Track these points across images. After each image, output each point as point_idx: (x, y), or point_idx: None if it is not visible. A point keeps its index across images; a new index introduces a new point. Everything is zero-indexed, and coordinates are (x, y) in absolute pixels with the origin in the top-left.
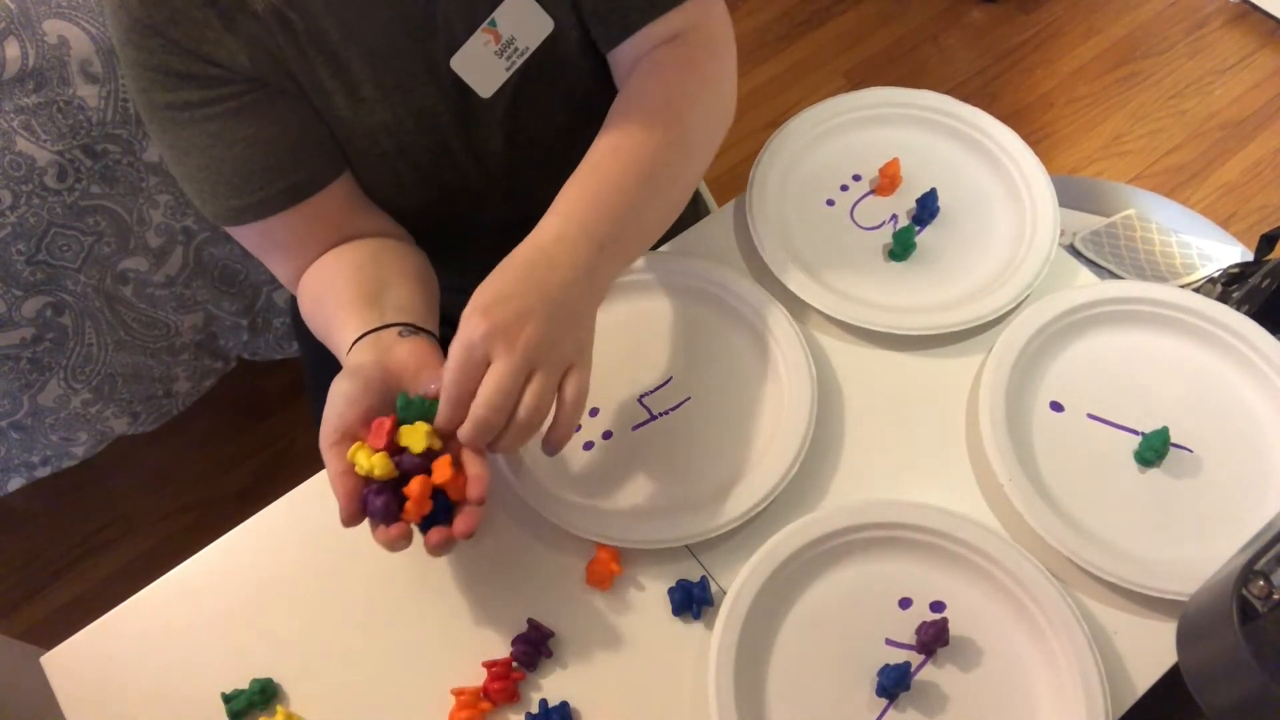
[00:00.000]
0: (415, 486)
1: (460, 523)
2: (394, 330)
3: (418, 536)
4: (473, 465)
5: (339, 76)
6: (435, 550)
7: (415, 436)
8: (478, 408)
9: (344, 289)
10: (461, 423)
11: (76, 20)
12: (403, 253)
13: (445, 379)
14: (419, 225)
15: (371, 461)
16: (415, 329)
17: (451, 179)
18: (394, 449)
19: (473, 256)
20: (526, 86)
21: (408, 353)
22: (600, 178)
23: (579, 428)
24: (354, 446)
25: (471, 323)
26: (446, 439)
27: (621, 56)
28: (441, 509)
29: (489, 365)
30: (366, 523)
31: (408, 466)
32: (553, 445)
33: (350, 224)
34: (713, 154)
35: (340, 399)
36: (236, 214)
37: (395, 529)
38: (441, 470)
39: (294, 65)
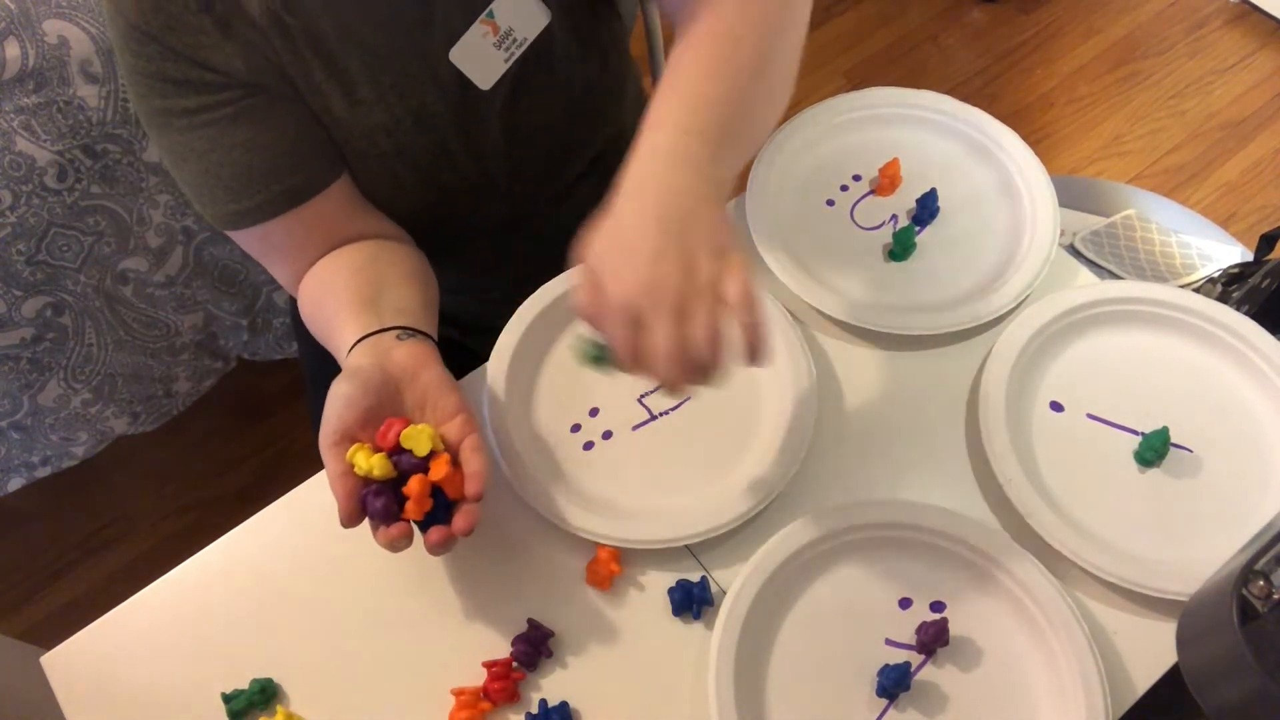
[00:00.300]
0: (415, 485)
1: (459, 520)
2: (392, 333)
3: (417, 536)
4: (471, 463)
5: (336, 78)
6: (435, 549)
7: (419, 439)
8: (665, 377)
9: (343, 292)
10: (662, 376)
11: (76, 20)
12: (401, 254)
13: (614, 345)
14: (418, 226)
15: (370, 462)
16: (413, 332)
17: (450, 179)
18: (395, 449)
19: (472, 257)
20: (525, 78)
21: (405, 355)
22: (685, 76)
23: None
24: (353, 448)
25: (609, 290)
26: (450, 444)
27: (678, 5)
28: (440, 507)
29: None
30: (366, 523)
31: (406, 466)
32: (754, 354)
33: (349, 226)
34: (796, 60)
35: (340, 401)
36: (235, 218)
37: (396, 529)
38: (439, 468)
39: (290, 69)
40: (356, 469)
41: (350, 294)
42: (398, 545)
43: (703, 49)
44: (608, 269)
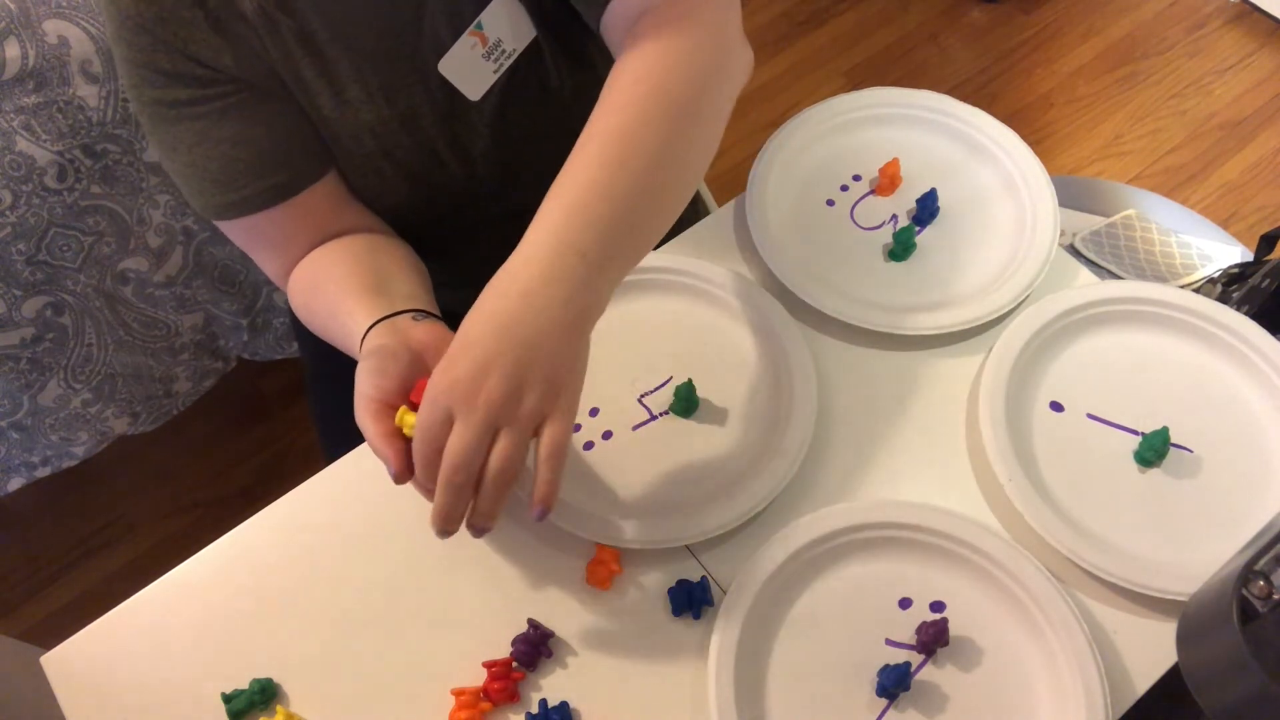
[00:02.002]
0: None
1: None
2: (407, 316)
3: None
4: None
5: (325, 76)
6: (486, 523)
7: None
8: (443, 470)
9: (346, 280)
10: (426, 466)
11: (76, 20)
12: (395, 247)
13: (415, 436)
14: (408, 222)
15: None
16: (426, 314)
17: (438, 178)
18: None
19: (464, 252)
20: (514, 88)
21: (425, 333)
22: (579, 176)
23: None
24: (401, 409)
25: (434, 381)
26: None
27: (609, 31)
28: None
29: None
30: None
31: None
32: (538, 508)
33: (337, 221)
34: (724, 117)
35: (373, 372)
36: (221, 210)
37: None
38: None
39: (280, 66)
40: (408, 430)
41: (355, 282)
42: (453, 521)
43: (599, 150)
44: (444, 359)
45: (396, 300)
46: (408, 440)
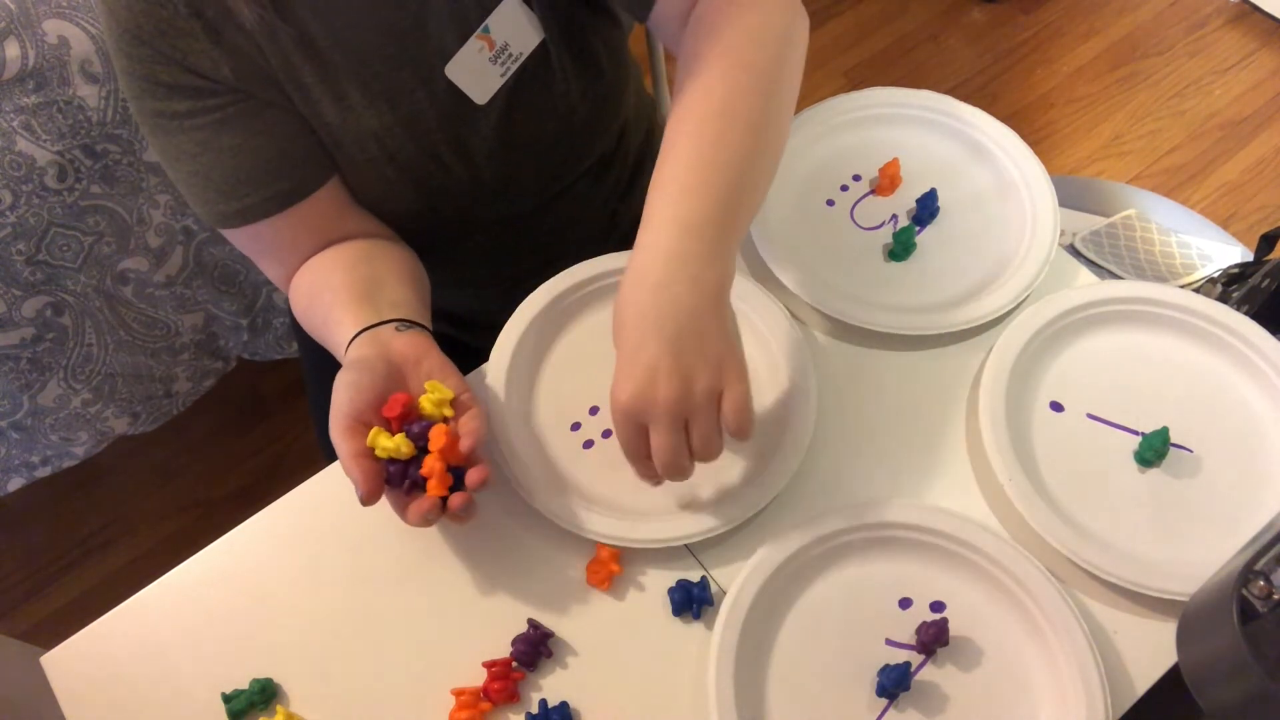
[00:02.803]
0: (431, 463)
1: (471, 477)
2: (390, 326)
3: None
4: (464, 424)
5: (326, 83)
6: (463, 513)
7: (438, 392)
8: (666, 476)
9: (339, 288)
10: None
11: (76, 20)
12: (394, 252)
13: (625, 454)
14: (411, 226)
15: (395, 442)
16: (410, 324)
17: (442, 182)
18: (401, 425)
19: (467, 254)
20: (520, 92)
21: (406, 344)
22: (683, 160)
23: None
24: (373, 431)
25: (615, 404)
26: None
27: (663, 21)
28: (453, 478)
29: (648, 428)
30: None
31: (419, 435)
32: (742, 440)
33: (339, 227)
34: (799, 76)
35: (349, 387)
36: (225, 218)
37: (426, 502)
38: (437, 438)
39: (281, 74)
40: (379, 451)
41: (346, 290)
42: (430, 517)
43: (696, 131)
44: (616, 376)
45: (384, 308)
46: (378, 461)
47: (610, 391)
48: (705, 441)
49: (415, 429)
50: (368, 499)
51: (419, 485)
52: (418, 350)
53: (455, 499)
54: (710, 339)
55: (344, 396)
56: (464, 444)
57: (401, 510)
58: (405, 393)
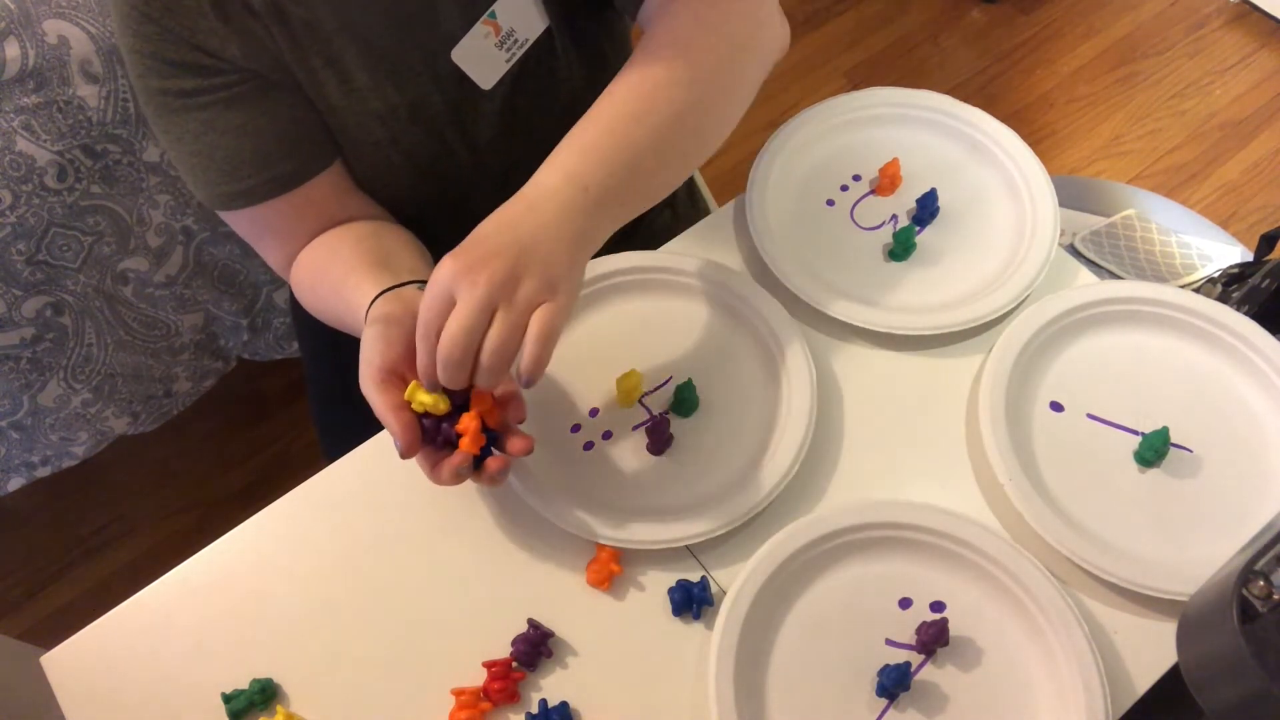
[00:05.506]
0: (468, 421)
1: (517, 444)
2: (412, 286)
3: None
4: (508, 389)
5: (332, 66)
6: (498, 478)
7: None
8: (441, 345)
9: (351, 258)
10: (429, 353)
11: (76, 20)
12: (398, 230)
13: (418, 319)
14: (415, 213)
15: (433, 397)
16: None
17: (445, 167)
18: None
19: None
20: (525, 78)
21: None
22: (596, 123)
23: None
24: (411, 385)
25: (441, 265)
26: None
27: (645, 21)
28: (488, 440)
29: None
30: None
31: (454, 396)
32: (525, 377)
33: (341, 211)
34: (750, 90)
35: (379, 340)
36: (227, 199)
37: (459, 456)
38: (481, 400)
39: (287, 56)
40: (416, 405)
41: (360, 259)
42: (463, 472)
43: (620, 101)
44: (459, 247)
45: (402, 273)
46: (416, 415)
47: (438, 264)
48: (501, 342)
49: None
50: (407, 451)
51: (451, 443)
52: None
53: (494, 462)
54: (554, 260)
55: (375, 349)
56: (515, 413)
57: (431, 467)
58: None
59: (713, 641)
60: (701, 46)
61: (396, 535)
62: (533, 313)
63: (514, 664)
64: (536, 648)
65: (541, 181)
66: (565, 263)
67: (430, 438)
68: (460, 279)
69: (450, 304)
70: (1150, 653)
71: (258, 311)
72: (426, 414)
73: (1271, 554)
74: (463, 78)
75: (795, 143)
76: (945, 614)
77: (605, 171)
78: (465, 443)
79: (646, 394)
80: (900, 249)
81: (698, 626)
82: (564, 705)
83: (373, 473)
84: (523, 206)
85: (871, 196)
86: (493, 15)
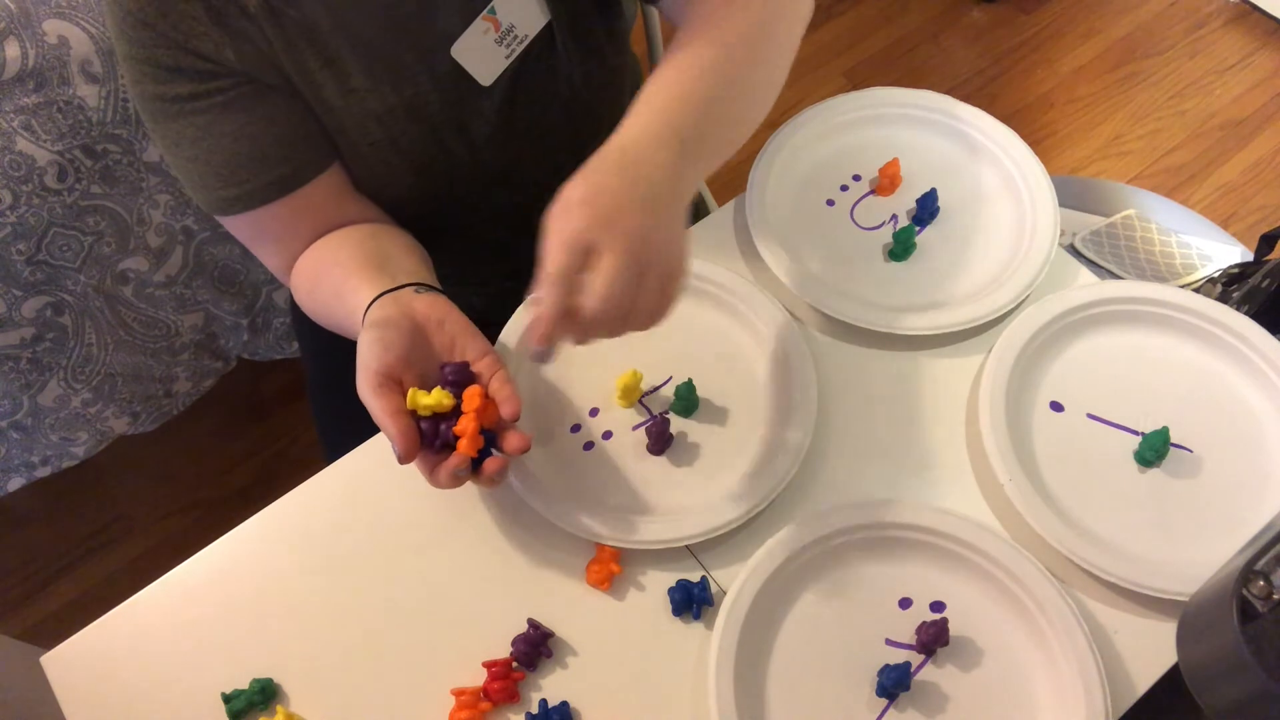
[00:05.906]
0: (466, 423)
1: (512, 441)
2: (409, 289)
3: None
4: (503, 389)
5: (329, 67)
6: (496, 479)
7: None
8: (598, 306)
9: (348, 261)
10: (564, 307)
11: (76, 20)
12: (396, 232)
13: (549, 265)
14: (414, 215)
15: (435, 396)
16: (428, 287)
17: (444, 167)
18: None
19: (470, 248)
20: (524, 75)
21: (427, 304)
22: (682, 73)
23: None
24: (411, 391)
25: (573, 214)
26: (482, 383)
27: (669, 4)
28: (485, 441)
29: (593, 255)
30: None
31: (456, 390)
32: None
33: (339, 215)
34: (789, 55)
35: (376, 345)
36: (225, 204)
37: (456, 458)
38: (473, 400)
39: (283, 58)
40: (421, 410)
41: (358, 262)
42: (461, 474)
43: (695, 51)
44: (587, 198)
45: (400, 276)
46: (416, 419)
47: (561, 211)
48: (654, 302)
49: (449, 375)
50: (406, 456)
51: (449, 445)
52: (439, 311)
53: (491, 463)
54: (675, 218)
55: (372, 353)
56: (508, 409)
57: (430, 470)
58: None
59: (713, 641)
60: (744, 19)
61: (397, 535)
62: (666, 274)
63: (514, 664)
64: (536, 648)
65: (640, 130)
66: (682, 223)
67: (428, 441)
68: (600, 231)
69: (586, 254)
70: (1150, 653)
71: (258, 311)
72: (424, 417)
73: (1271, 554)
74: (461, 76)
75: (795, 143)
76: (945, 614)
77: (695, 118)
78: (463, 445)
79: (646, 394)
80: (900, 249)
81: (698, 626)
82: (564, 705)
83: (373, 473)
84: (632, 154)
85: (871, 196)
86: (492, 11)
